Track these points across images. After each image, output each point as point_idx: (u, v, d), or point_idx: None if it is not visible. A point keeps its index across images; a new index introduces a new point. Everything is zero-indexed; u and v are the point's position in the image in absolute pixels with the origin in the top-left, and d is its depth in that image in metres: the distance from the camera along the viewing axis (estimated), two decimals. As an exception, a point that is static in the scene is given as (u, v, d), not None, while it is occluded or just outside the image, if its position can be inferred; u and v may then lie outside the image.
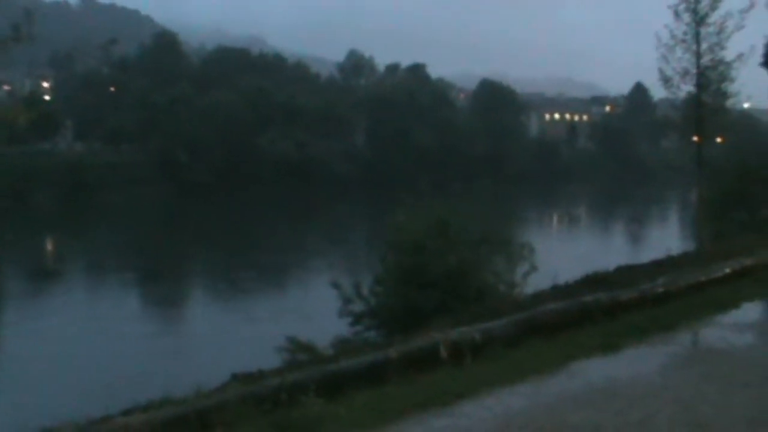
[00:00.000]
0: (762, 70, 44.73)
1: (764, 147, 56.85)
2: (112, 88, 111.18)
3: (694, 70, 24.36)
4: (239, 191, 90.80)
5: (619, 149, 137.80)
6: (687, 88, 24.66)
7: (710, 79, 24.57)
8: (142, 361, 26.00)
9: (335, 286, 21.14)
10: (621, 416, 7.65)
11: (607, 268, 16.25)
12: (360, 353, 10.08)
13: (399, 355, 9.14)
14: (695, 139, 26.15)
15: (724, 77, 24.60)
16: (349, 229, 69.54)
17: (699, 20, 23.94)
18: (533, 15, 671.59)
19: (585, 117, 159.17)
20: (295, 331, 17.70)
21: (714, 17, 23.85)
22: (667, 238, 45.49)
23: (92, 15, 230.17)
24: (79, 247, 57.37)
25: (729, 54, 24.45)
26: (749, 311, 13.23)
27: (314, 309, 29.05)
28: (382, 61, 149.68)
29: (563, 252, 41.78)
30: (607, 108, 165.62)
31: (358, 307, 20.71)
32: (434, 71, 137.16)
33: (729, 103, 25.83)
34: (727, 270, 15.20)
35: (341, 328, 19.99)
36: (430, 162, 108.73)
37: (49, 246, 63.62)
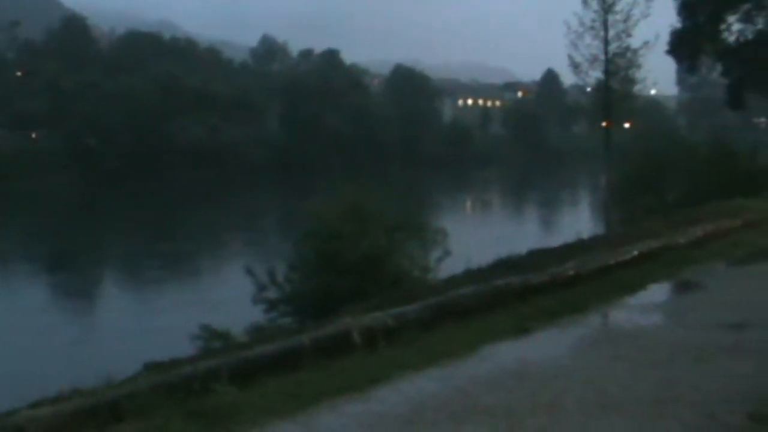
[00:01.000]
0: (667, 58, 45.88)
1: (670, 133, 58.20)
2: (19, 73, 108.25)
3: (602, 57, 24.91)
4: (151, 178, 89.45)
5: (532, 134, 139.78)
6: (596, 74, 25.24)
7: (618, 66, 25.11)
8: (48, 353, 25.38)
9: (249, 272, 21.02)
10: (532, 398, 7.74)
11: (520, 252, 16.43)
12: (274, 340, 10.02)
13: (312, 342, 9.11)
14: (604, 124, 26.65)
15: (632, 64, 25.19)
16: (263, 215, 69.07)
17: (607, 8, 24.55)
18: (447, 2, 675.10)
19: (498, 103, 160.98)
20: (209, 319, 17.53)
21: (621, 5, 24.51)
22: (577, 221, 46.19)
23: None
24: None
25: (635, 41, 25.03)
26: (656, 293, 13.54)
27: (228, 297, 28.80)
28: (295, 47, 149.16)
29: (477, 236, 42.15)
30: (520, 94, 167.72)
31: (272, 293, 20.63)
32: (348, 57, 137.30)
33: (636, 89, 26.52)
34: (635, 253, 15.52)
35: (257, 315, 19.87)
36: (345, 148, 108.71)
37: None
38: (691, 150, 41.07)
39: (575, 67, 25.16)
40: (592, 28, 24.56)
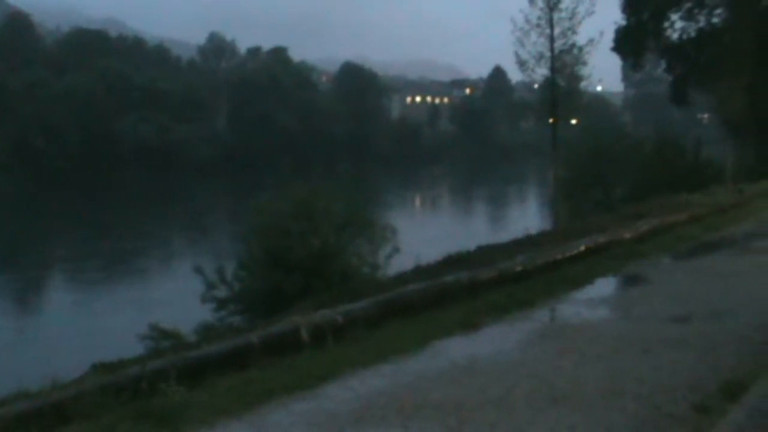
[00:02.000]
0: (612, 55, 46.44)
1: (616, 128, 58.99)
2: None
3: (548, 54, 25.11)
4: (98, 177, 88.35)
5: (479, 131, 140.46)
6: (542, 71, 25.44)
7: (564, 63, 25.34)
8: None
9: (198, 271, 20.88)
10: (481, 392, 7.79)
11: (468, 248, 16.51)
12: (223, 339, 9.96)
13: (261, 340, 9.08)
14: (551, 120, 26.89)
15: (577, 61, 25.46)
16: (211, 213, 68.65)
17: (552, 5, 24.74)
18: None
19: (446, 99, 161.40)
20: (150, 319, 17.35)
21: (566, 3, 24.68)
22: (525, 217, 46.68)
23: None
24: None
25: (581, 39, 25.30)
26: (602, 287, 13.71)
27: (172, 296, 28.56)
28: (243, 45, 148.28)
29: (426, 233, 42.32)
30: (468, 91, 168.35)
31: (221, 292, 20.51)
32: (297, 55, 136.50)
33: (582, 85, 26.78)
34: (582, 247, 15.70)
35: (203, 315, 19.72)
36: (293, 145, 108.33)
37: None
38: (636, 145, 41.66)
39: (522, 64, 25.36)
40: (538, 25, 24.78)
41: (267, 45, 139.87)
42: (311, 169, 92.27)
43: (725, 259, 16.48)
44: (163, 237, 52.46)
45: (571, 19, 24.74)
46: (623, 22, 45.50)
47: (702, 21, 45.08)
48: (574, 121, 34.60)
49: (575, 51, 25.31)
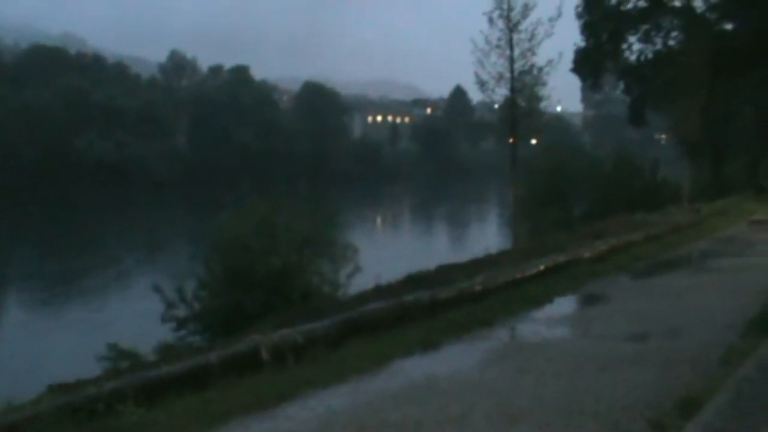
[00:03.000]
0: (572, 76, 46.98)
1: (575, 148, 59.54)
2: None
3: (508, 75, 25.28)
4: (54, 195, 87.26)
5: (440, 150, 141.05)
6: (502, 91, 25.59)
7: (524, 83, 25.52)
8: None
9: (156, 290, 20.65)
10: (441, 412, 7.80)
11: (429, 268, 16.56)
12: (182, 358, 9.89)
13: (220, 359, 9.04)
14: (511, 140, 27.07)
15: (537, 81, 25.64)
16: (168, 231, 68.07)
17: (512, 27, 24.90)
18: (356, 19, 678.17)
19: (407, 119, 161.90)
20: (117, 338, 17.14)
21: (525, 24, 24.86)
22: (486, 236, 46.77)
23: None
24: None
25: (540, 60, 25.51)
26: (561, 305, 13.82)
27: (128, 316, 28.14)
28: (205, 63, 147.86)
29: (386, 252, 42.32)
30: (429, 110, 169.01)
31: (181, 311, 20.30)
32: (258, 73, 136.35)
33: (542, 105, 26.96)
34: (542, 267, 15.84)
35: (159, 335, 19.49)
36: (254, 163, 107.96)
37: None
38: (595, 165, 42.12)
39: (482, 84, 25.49)
40: (498, 46, 24.93)
41: (229, 63, 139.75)
42: (271, 187, 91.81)
43: (682, 277, 16.71)
44: (117, 256, 51.64)
45: (530, 40, 24.96)
46: (582, 44, 46.12)
47: (659, 43, 45.79)
48: (533, 141, 34.86)
49: (535, 72, 25.50)
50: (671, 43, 45.05)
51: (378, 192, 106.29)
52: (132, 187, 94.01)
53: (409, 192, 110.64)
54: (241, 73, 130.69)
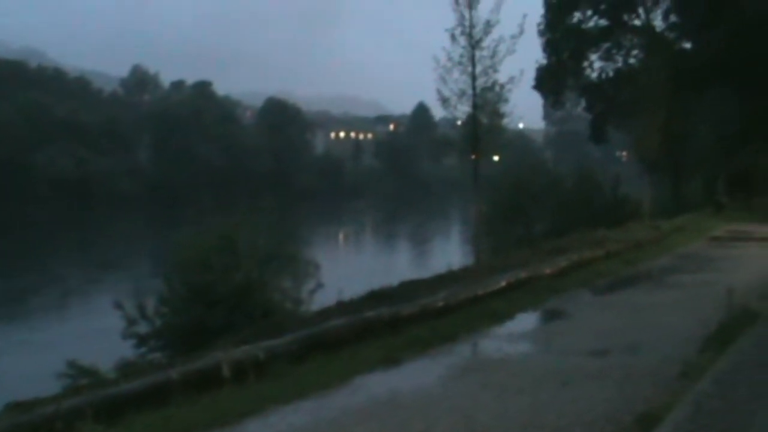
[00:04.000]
0: (534, 93, 47.38)
1: (537, 165, 59.91)
2: None
3: (470, 91, 25.27)
4: (11, 210, 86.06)
5: (403, 166, 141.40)
6: (464, 108, 25.58)
7: (486, 100, 25.57)
8: None
9: (118, 306, 20.45)
10: (403, 427, 7.80)
11: (391, 284, 16.57)
12: (142, 375, 9.81)
13: (181, 376, 8.97)
14: (473, 156, 27.11)
15: (499, 98, 25.68)
16: (132, 248, 67.41)
17: (474, 44, 24.86)
18: (320, 35, 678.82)
19: (370, 135, 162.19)
20: (77, 355, 16.93)
21: (487, 41, 24.90)
22: (448, 252, 46.85)
23: None
24: None
25: (502, 77, 25.61)
26: (523, 321, 13.88)
27: (96, 333, 27.75)
28: (167, 78, 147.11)
29: (348, 268, 42.24)
30: (391, 127, 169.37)
31: (142, 328, 20.12)
32: (221, 89, 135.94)
33: (504, 122, 26.99)
34: (504, 283, 15.90)
35: (126, 351, 19.30)
36: (216, 179, 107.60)
37: None
38: (557, 182, 42.40)
39: (444, 101, 25.39)
40: (460, 63, 24.84)
41: (191, 79, 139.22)
42: (234, 203, 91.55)
43: (642, 293, 16.83)
44: (72, 274, 50.81)
45: (492, 57, 24.91)
46: (544, 62, 46.54)
47: (620, 62, 46.37)
48: (496, 158, 35.01)
49: (497, 88, 25.49)
50: (632, 61, 45.63)
51: (340, 208, 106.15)
52: (93, 203, 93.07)
53: (372, 208, 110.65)
54: (203, 88, 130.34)
